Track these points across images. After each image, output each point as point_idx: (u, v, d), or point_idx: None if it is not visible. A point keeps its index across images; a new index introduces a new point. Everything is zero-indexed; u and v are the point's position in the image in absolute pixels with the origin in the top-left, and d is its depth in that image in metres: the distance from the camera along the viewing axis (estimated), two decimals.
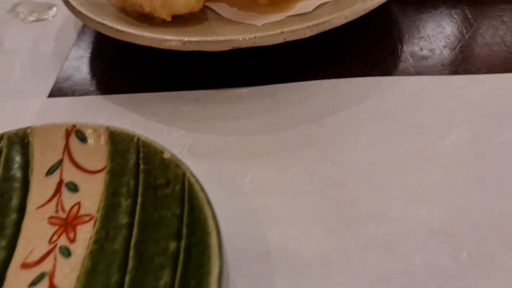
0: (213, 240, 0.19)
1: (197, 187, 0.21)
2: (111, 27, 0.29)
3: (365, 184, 0.24)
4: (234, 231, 0.23)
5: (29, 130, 0.25)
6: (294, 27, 0.28)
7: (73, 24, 0.38)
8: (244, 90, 0.30)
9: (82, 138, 0.25)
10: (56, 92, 0.32)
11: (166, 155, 0.23)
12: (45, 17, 0.40)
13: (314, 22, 0.28)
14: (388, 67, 0.30)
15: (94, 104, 0.31)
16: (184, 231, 0.21)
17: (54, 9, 0.41)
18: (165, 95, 0.30)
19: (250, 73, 0.31)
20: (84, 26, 0.37)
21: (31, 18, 0.40)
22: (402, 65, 0.31)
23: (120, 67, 0.33)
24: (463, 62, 0.30)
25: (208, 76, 0.31)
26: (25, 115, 0.30)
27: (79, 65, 0.34)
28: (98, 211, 0.23)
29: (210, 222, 0.20)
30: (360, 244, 0.22)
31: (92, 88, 0.32)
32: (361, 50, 0.32)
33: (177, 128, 0.28)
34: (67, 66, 0.34)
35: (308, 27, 0.28)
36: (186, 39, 0.28)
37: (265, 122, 0.28)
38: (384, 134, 0.26)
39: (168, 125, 0.28)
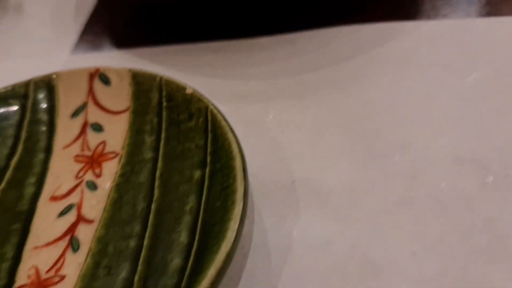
0: (237, 163, 0.19)
1: (219, 117, 0.21)
2: None
3: (389, 118, 0.24)
4: (258, 165, 0.23)
5: (54, 76, 0.26)
6: None
7: None
8: (264, 39, 0.30)
9: (106, 81, 0.25)
10: (79, 48, 0.32)
11: (189, 91, 0.23)
12: None
13: None
14: (410, 12, 0.30)
15: (117, 58, 0.31)
16: (208, 159, 0.21)
17: None
18: (186, 47, 0.31)
19: (270, 23, 0.31)
20: None
21: None
22: (423, 10, 0.30)
23: (141, 22, 0.34)
24: (486, 5, 0.30)
25: (229, 27, 0.31)
26: (49, 72, 0.31)
27: (100, 21, 0.34)
28: (123, 148, 0.23)
29: (234, 147, 0.20)
30: (385, 173, 0.21)
31: (114, 43, 0.32)
32: None
33: (199, 76, 0.28)
34: (89, 22, 0.34)
35: None
36: None
37: (286, 67, 0.28)
38: (407, 74, 0.26)
39: (189, 74, 0.28)
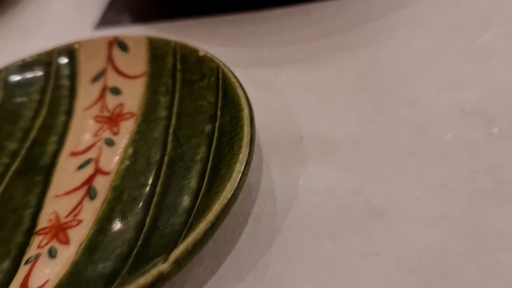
0: (245, 113, 0.20)
1: (230, 75, 0.22)
2: None
3: (398, 77, 0.24)
4: (267, 122, 0.23)
5: (76, 45, 0.27)
6: None
7: None
8: (278, 11, 0.31)
9: (124, 48, 0.26)
10: (101, 25, 0.34)
11: (201, 53, 0.24)
12: None
13: None
14: None
15: (136, 32, 0.32)
16: (219, 113, 0.22)
17: None
18: (202, 20, 0.32)
19: None
20: None
21: None
22: None
23: None
24: None
25: (244, 1, 0.32)
26: None
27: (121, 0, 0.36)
28: (139, 109, 0.25)
29: (242, 100, 0.21)
30: (391, 126, 0.22)
31: (134, 19, 0.33)
32: None
33: (214, 46, 0.29)
34: (111, 2, 0.36)
35: None
36: None
37: (299, 36, 0.28)
38: (417, 36, 0.26)
39: (205, 44, 0.29)
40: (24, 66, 0.26)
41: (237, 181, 0.18)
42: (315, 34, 0.28)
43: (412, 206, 0.19)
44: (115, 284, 0.16)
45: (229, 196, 0.17)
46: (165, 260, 0.16)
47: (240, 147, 0.19)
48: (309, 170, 0.21)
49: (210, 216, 0.17)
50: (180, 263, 0.16)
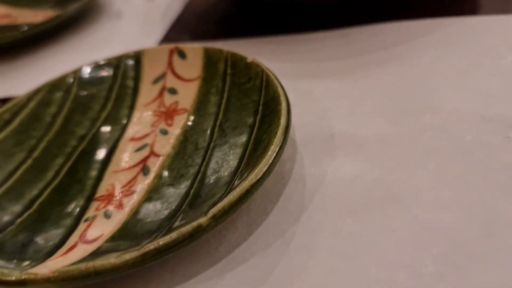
0: (283, 107, 0.23)
1: (272, 77, 0.25)
2: None
3: (425, 88, 0.26)
4: (303, 122, 0.26)
5: (142, 52, 0.31)
6: None
7: None
8: (319, 34, 0.34)
9: (183, 56, 0.30)
10: (164, 41, 0.38)
11: (249, 60, 0.27)
12: None
13: None
14: (454, 11, 0.33)
15: None
16: (260, 108, 0.25)
17: None
18: (253, 40, 0.35)
19: (326, 20, 0.35)
20: None
21: None
22: (466, 8, 0.33)
23: (217, 19, 0.39)
24: None
25: (292, 24, 0.36)
26: None
27: (182, 23, 0.40)
28: (191, 106, 0.28)
29: (282, 97, 0.23)
30: (415, 128, 0.24)
31: (193, 38, 0.38)
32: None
33: (262, 61, 0.32)
34: (173, 25, 0.40)
35: None
36: None
37: (336, 53, 0.31)
38: (446, 55, 0.28)
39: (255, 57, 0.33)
40: (96, 67, 0.31)
41: (271, 159, 0.20)
42: (351, 53, 0.31)
43: (429, 194, 0.21)
44: (160, 234, 0.19)
45: (263, 170, 0.20)
46: (205, 215, 0.18)
47: (276, 133, 0.21)
48: (337, 161, 0.23)
49: (246, 184, 0.19)
50: (217, 219, 0.18)
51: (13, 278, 0.18)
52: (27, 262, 0.20)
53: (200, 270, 0.20)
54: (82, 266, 0.18)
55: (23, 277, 0.18)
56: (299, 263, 0.19)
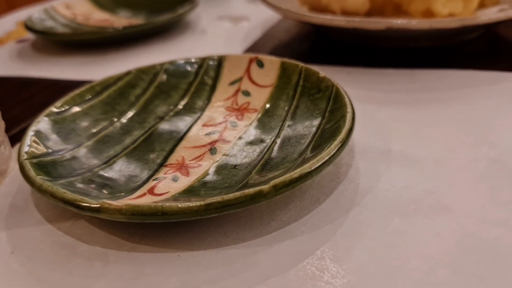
0: (349, 112, 0.25)
1: (341, 90, 0.27)
2: (297, 13, 0.39)
3: (484, 125, 0.28)
4: (364, 137, 0.28)
5: (224, 56, 0.34)
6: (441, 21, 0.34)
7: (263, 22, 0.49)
8: (389, 70, 0.36)
9: (261, 65, 0.33)
10: None
11: (321, 74, 0.30)
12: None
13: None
14: None
15: None
16: (326, 114, 0.27)
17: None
18: (327, 68, 0.38)
19: (399, 60, 0.37)
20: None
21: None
22: None
23: (294, 47, 0.42)
24: None
25: (372, 61, 0.38)
26: None
27: (260, 46, 0.43)
28: (262, 108, 0.30)
29: (348, 107, 0.25)
30: (471, 156, 0.25)
31: None
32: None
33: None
34: (251, 47, 0.44)
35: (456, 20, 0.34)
36: (349, 19, 0.35)
37: (402, 87, 0.33)
38: (508, 103, 0.30)
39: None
40: (183, 63, 0.34)
41: (333, 151, 0.22)
42: (417, 88, 0.33)
43: (478, 210, 0.22)
44: (223, 194, 0.21)
45: (324, 159, 0.21)
46: (267, 183, 0.20)
47: (340, 132, 0.23)
48: (391, 171, 0.25)
49: (307, 166, 0.21)
50: (277, 189, 0.20)
51: (91, 204, 0.20)
52: (102, 196, 0.22)
53: (251, 237, 0.21)
54: (152, 204, 0.20)
55: (99, 204, 0.20)
56: (344, 247, 0.20)
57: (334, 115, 0.26)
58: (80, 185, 0.23)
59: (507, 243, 0.20)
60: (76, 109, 0.30)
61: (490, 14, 0.35)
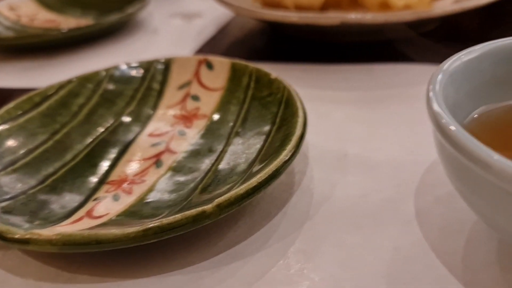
0: (300, 118, 0.23)
1: (293, 92, 0.26)
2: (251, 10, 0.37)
3: None
4: (319, 141, 0.27)
5: (172, 59, 0.32)
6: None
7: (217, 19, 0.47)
8: (346, 66, 0.35)
9: (210, 67, 0.31)
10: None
11: (273, 76, 0.28)
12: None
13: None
14: None
15: None
16: (277, 120, 0.25)
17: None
18: (280, 65, 0.36)
19: (354, 55, 0.36)
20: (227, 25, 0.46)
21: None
22: None
23: (248, 44, 0.41)
24: None
25: (322, 56, 0.37)
26: None
27: (212, 44, 0.42)
28: (211, 113, 0.29)
29: (300, 111, 0.24)
30: (430, 158, 0.24)
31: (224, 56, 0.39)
32: None
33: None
34: (205, 45, 0.42)
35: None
36: (302, 15, 0.34)
37: (359, 85, 0.32)
38: None
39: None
40: (128, 67, 0.32)
41: (281, 162, 0.21)
42: (373, 86, 0.32)
43: (437, 219, 0.21)
44: (164, 215, 0.19)
45: (272, 170, 0.20)
46: (210, 202, 0.19)
47: (290, 140, 0.22)
48: (347, 179, 0.23)
49: (254, 180, 0.20)
50: (221, 208, 0.19)
51: (17, 236, 0.18)
52: (33, 225, 0.20)
53: (197, 261, 0.20)
54: (85, 232, 0.18)
55: (27, 236, 0.18)
56: (296, 266, 0.19)
57: (285, 120, 0.25)
58: (9, 212, 0.21)
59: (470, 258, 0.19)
60: (11, 123, 0.27)
61: (445, 7, 0.34)
